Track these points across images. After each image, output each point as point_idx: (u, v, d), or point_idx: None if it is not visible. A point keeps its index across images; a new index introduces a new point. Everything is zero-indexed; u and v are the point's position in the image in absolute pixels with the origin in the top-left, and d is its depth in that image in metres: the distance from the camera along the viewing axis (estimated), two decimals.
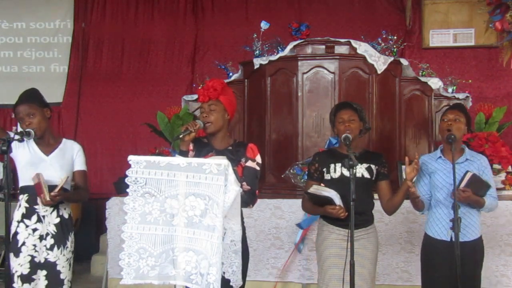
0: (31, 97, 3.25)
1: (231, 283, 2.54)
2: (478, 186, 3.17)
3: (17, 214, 3.19)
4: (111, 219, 4.91)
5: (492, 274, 4.48)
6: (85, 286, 5.50)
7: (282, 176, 4.95)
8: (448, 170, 3.25)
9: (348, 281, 2.91)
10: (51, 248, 3.18)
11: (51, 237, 3.19)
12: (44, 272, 3.16)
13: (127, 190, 2.46)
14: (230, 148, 2.94)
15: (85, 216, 6.28)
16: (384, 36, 5.58)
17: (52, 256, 3.18)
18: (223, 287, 2.53)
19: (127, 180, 2.44)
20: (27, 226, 3.16)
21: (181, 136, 2.82)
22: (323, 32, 6.42)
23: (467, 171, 3.18)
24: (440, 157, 3.31)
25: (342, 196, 3.01)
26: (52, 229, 3.20)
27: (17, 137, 3.04)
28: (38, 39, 7.56)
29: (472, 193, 3.13)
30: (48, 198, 3.06)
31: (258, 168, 2.92)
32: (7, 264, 2.97)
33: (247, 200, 2.82)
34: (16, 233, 3.15)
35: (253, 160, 2.91)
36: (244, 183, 2.84)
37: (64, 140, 3.37)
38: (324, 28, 6.85)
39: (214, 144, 2.98)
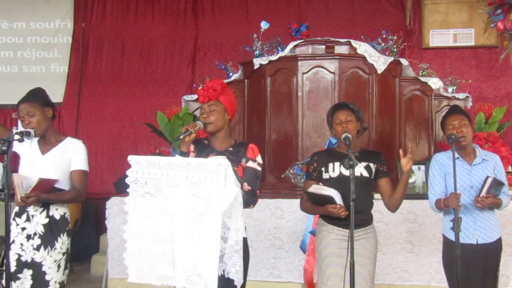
0: (33, 96, 3.23)
1: (235, 283, 2.55)
2: (496, 189, 3.20)
3: (13, 212, 3.20)
4: (111, 219, 4.91)
5: None
6: (85, 286, 5.50)
7: (282, 176, 4.95)
8: (467, 172, 3.29)
9: (348, 281, 2.91)
10: (38, 248, 3.14)
11: (38, 237, 3.15)
12: (30, 272, 3.12)
13: (128, 190, 2.47)
14: (231, 149, 2.95)
15: (85, 216, 6.29)
16: (384, 36, 5.59)
17: (38, 256, 3.13)
18: (224, 287, 2.54)
19: (127, 180, 2.44)
20: (17, 225, 3.16)
21: (181, 137, 2.82)
22: (323, 32, 6.44)
23: (487, 177, 3.20)
24: (458, 158, 3.29)
25: (341, 195, 3.01)
26: (40, 229, 3.16)
27: (17, 137, 3.03)
28: (38, 39, 7.57)
29: (493, 197, 3.17)
30: (19, 199, 3.02)
31: (259, 168, 2.93)
32: (6, 264, 2.98)
33: (248, 200, 2.82)
34: (9, 231, 3.14)
35: (254, 161, 2.91)
36: (245, 183, 2.85)
37: (67, 139, 3.32)
38: (324, 28, 6.88)
39: (215, 145, 2.98)
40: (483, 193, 3.15)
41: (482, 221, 3.27)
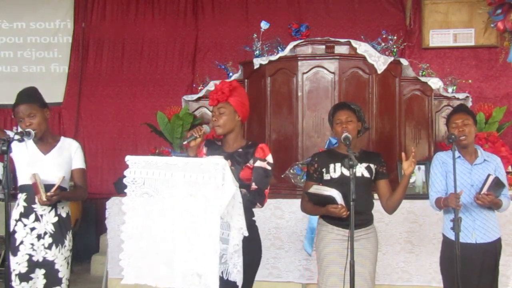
0: (32, 97, 3.23)
1: (237, 283, 2.56)
2: (498, 188, 3.20)
3: (15, 213, 3.20)
4: (111, 219, 4.91)
5: None
6: (85, 286, 5.50)
7: (282, 176, 4.95)
8: (467, 171, 3.29)
9: (348, 281, 2.91)
10: (49, 247, 3.18)
11: (49, 236, 3.19)
12: (43, 271, 3.16)
13: (125, 190, 2.47)
14: (240, 150, 2.96)
15: (85, 216, 6.28)
16: (384, 36, 5.59)
17: (50, 255, 3.18)
18: (224, 287, 2.55)
19: (125, 181, 2.45)
20: (25, 225, 3.17)
21: (185, 142, 2.84)
22: (323, 32, 6.44)
23: (489, 174, 3.20)
24: (459, 157, 3.30)
25: (343, 196, 3.01)
26: (50, 228, 3.19)
27: (17, 137, 3.03)
28: (38, 39, 7.55)
29: (493, 196, 3.16)
30: (44, 199, 3.05)
31: (268, 167, 2.93)
32: (7, 263, 2.98)
33: (253, 199, 2.83)
34: (14, 232, 3.15)
35: (263, 160, 2.92)
36: (253, 183, 2.86)
37: (62, 138, 3.36)
38: (324, 28, 6.87)
39: (225, 146, 3.00)
40: (484, 190, 3.14)
41: (481, 221, 3.27)
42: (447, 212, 3.31)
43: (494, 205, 3.24)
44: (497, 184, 3.17)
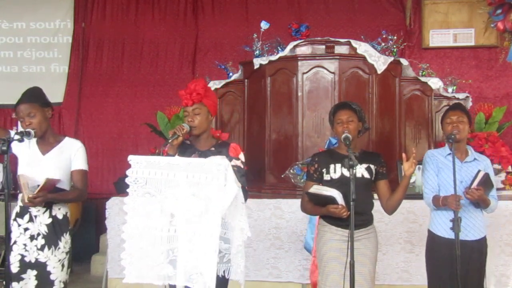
0: (33, 96, 3.22)
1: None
2: (487, 186, 3.21)
3: (13, 213, 3.20)
4: (111, 219, 4.90)
5: (491, 274, 4.47)
6: (85, 286, 5.50)
7: (282, 176, 4.95)
8: (457, 168, 3.30)
9: (348, 281, 2.91)
10: (42, 248, 3.14)
11: (42, 238, 3.15)
12: (35, 272, 3.12)
13: (127, 190, 2.47)
14: (213, 149, 2.98)
15: (85, 216, 6.28)
16: (384, 36, 5.59)
17: (42, 256, 3.13)
18: (224, 287, 2.56)
19: (127, 180, 2.45)
20: (19, 225, 3.15)
21: (169, 141, 2.85)
22: (323, 32, 6.44)
23: (479, 170, 3.23)
24: (449, 154, 3.32)
25: (343, 196, 3.02)
26: (44, 229, 3.16)
27: (17, 137, 3.03)
28: (38, 39, 7.55)
29: (483, 192, 3.17)
30: (26, 200, 3.03)
31: (242, 166, 2.96)
32: (7, 264, 2.98)
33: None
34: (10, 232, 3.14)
35: (237, 159, 2.95)
36: None
37: (65, 139, 3.32)
38: (324, 28, 6.88)
39: (197, 145, 3.02)
40: (474, 185, 3.17)
41: (468, 218, 3.29)
42: (438, 210, 3.32)
43: (482, 202, 3.25)
44: (486, 182, 3.19)
